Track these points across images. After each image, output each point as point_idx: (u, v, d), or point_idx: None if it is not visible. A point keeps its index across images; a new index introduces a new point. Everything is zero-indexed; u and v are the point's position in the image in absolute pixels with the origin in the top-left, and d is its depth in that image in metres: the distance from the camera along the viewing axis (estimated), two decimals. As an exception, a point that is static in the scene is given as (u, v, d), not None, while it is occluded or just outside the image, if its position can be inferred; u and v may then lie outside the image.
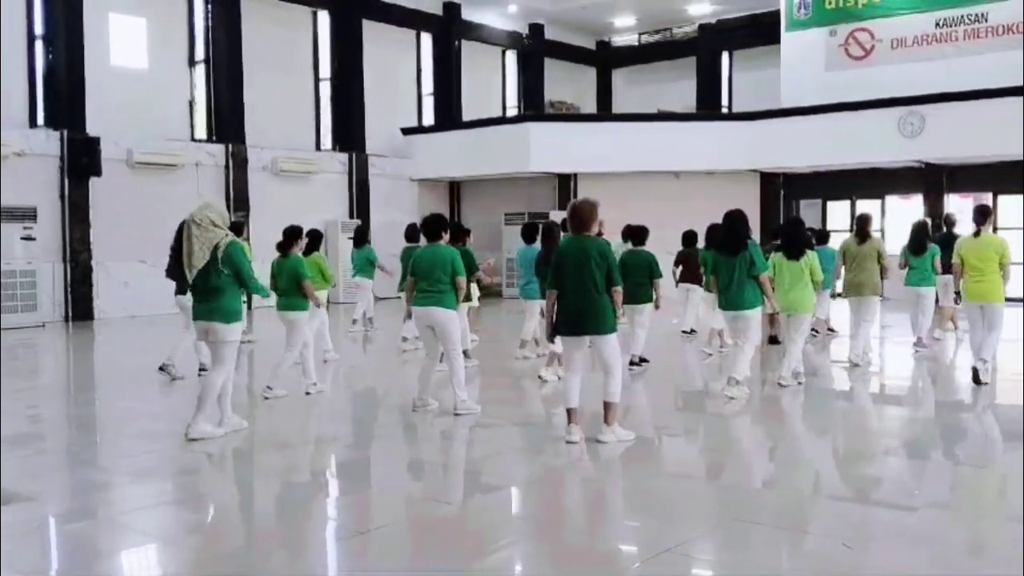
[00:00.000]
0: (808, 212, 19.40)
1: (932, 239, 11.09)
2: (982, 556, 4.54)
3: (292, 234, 8.72)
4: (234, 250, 6.61)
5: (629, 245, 9.99)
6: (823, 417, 8.07)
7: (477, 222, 19.13)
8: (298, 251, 8.76)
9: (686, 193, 18.90)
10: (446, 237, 7.83)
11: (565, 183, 20.17)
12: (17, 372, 10.58)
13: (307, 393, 8.49)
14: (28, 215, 14.73)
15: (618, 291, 6.41)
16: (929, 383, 9.70)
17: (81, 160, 15.52)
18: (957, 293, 9.78)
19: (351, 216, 19.61)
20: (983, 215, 8.56)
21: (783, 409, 8.21)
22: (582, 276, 6.34)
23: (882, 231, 17.91)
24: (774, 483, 5.96)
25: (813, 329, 12.07)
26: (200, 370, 9.16)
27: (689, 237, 11.95)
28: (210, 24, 18.10)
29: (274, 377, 8.39)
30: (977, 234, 8.50)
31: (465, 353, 9.95)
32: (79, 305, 15.77)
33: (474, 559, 4.45)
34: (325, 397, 8.64)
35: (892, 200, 18.95)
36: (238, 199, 17.82)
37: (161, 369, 9.45)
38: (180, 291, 8.72)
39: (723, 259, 8.16)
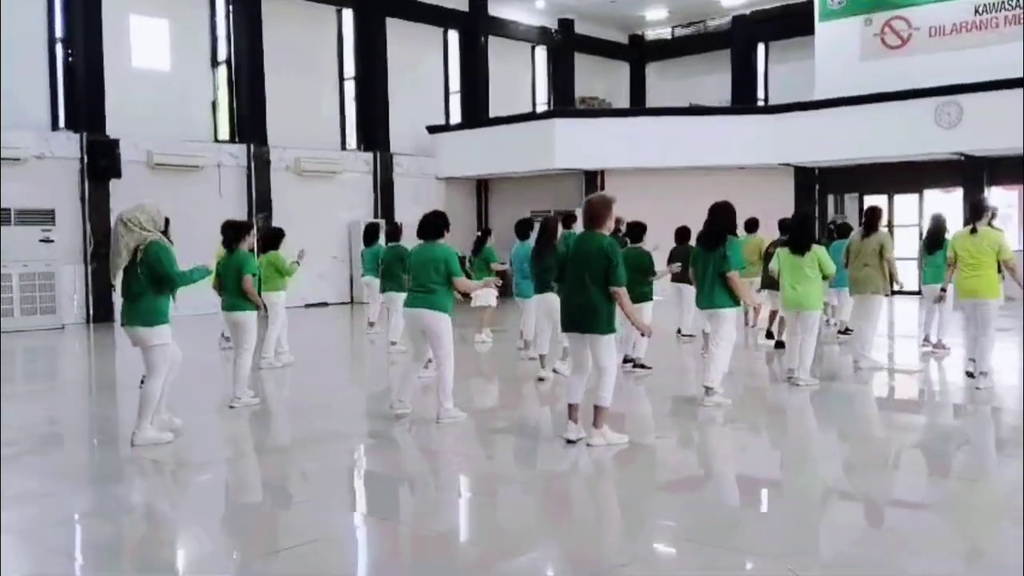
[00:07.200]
0: (849, 207, 18.81)
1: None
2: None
3: (239, 227, 8.11)
4: (155, 249, 6.24)
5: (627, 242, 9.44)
6: (811, 426, 7.61)
7: (504, 220, 18.75)
8: (246, 247, 8.13)
9: (717, 188, 18.28)
10: (446, 236, 7.37)
11: (592, 179, 19.83)
12: (12, 378, 10.49)
13: (231, 407, 7.80)
14: (46, 217, 14.83)
15: (619, 292, 6.11)
16: (929, 388, 9.11)
17: (101, 162, 15.59)
18: (943, 289, 9.39)
19: (376, 216, 19.46)
20: (978, 210, 8.25)
21: (773, 416, 7.81)
22: (581, 273, 6.17)
23: (919, 227, 17.17)
24: (743, 501, 5.58)
25: (847, 328, 11.54)
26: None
27: (681, 233, 11.10)
28: (232, 25, 18.12)
29: (238, 385, 7.89)
30: (974, 230, 8.11)
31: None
32: (100, 307, 15.83)
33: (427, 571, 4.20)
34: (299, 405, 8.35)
35: (931, 194, 18.25)
36: (260, 200, 17.80)
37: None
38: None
39: (702, 253, 7.66)
